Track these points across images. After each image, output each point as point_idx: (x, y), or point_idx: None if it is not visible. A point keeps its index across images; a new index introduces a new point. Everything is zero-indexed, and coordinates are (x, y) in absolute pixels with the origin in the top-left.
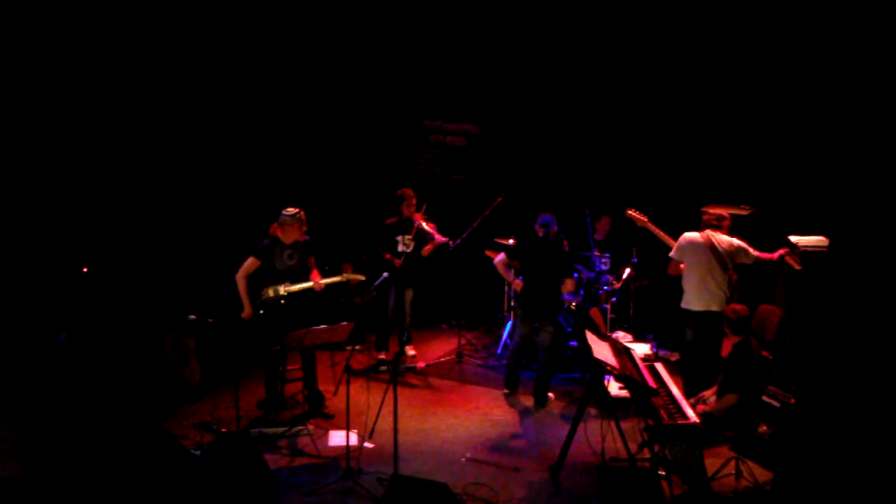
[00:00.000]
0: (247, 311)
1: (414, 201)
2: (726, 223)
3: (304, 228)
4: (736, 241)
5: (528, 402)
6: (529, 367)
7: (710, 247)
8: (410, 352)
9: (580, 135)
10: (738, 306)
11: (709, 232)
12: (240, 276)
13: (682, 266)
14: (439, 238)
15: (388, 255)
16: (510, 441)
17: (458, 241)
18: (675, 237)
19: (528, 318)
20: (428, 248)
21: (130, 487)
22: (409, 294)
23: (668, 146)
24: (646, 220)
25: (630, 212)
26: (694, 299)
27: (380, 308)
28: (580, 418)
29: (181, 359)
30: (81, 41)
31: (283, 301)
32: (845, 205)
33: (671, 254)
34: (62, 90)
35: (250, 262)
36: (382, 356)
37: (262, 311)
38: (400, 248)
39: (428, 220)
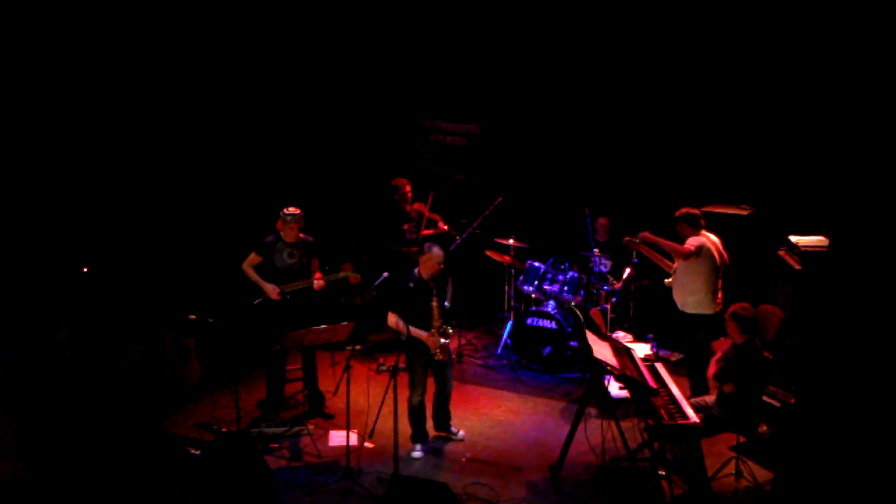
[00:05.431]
0: (269, 289)
1: (408, 188)
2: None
3: (301, 225)
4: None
5: (529, 402)
6: (529, 367)
7: (717, 250)
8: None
9: (580, 135)
10: (746, 305)
11: (706, 233)
12: (245, 267)
13: (674, 266)
14: (442, 225)
15: (403, 249)
16: (510, 441)
17: (459, 241)
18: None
19: (431, 361)
20: (427, 232)
21: (131, 488)
22: None
23: (669, 146)
24: (639, 242)
25: (627, 238)
26: (710, 302)
27: None
28: (580, 418)
29: (181, 359)
30: (82, 41)
31: (287, 296)
32: (845, 205)
33: (692, 251)
34: (62, 89)
35: (252, 257)
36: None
37: (259, 301)
38: (408, 236)
39: (432, 211)
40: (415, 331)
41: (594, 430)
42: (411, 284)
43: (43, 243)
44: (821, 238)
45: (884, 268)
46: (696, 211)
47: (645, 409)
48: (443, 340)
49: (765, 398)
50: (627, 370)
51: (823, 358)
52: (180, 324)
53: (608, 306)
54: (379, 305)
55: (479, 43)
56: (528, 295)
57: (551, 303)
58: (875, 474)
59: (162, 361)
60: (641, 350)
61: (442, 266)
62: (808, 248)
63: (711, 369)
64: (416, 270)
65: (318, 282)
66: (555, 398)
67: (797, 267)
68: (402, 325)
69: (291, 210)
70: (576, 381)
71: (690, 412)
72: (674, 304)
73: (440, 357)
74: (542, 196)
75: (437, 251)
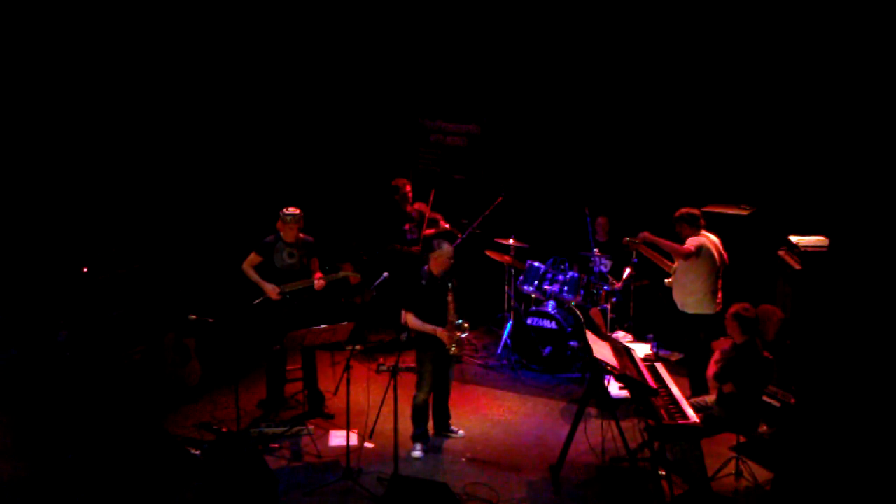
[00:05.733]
0: (269, 289)
1: (408, 188)
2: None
3: (300, 225)
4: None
5: (528, 402)
6: (529, 367)
7: (717, 250)
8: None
9: (580, 134)
10: (746, 305)
11: (706, 233)
12: (245, 267)
13: (674, 266)
14: (444, 224)
15: (405, 248)
16: (510, 441)
17: (459, 241)
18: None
19: (440, 358)
20: (429, 231)
21: (131, 488)
22: None
23: (668, 146)
24: (639, 242)
25: (626, 239)
26: (710, 302)
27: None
28: (580, 418)
29: (181, 359)
30: (82, 41)
31: (287, 296)
32: (845, 205)
33: (692, 251)
34: (62, 90)
35: (252, 257)
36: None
37: (259, 301)
38: (409, 236)
39: (433, 211)
40: (430, 327)
41: (594, 430)
42: (423, 282)
43: (43, 243)
44: (821, 238)
45: (884, 268)
46: (696, 211)
47: (645, 409)
48: (459, 335)
49: (765, 398)
50: (627, 370)
51: (823, 358)
52: (180, 324)
53: (608, 306)
54: (379, 305)
55: (479, 43)
56: (528, 295)
57: (551, 303)
58: (875, 474)
59: (162, 361)
60: (641, 350)
61: (452, 261)
62: (808, 248)
63: (711, 369)
64: (425, 268)
65: (318, 282)
66: (555, 398)
67: (797, 267)
68: (418, 322)
69: (291, 210)
70: (576, 381)
71: (690, 412)
72: (674, 304)
73: (455, 352)
74: (542, 196)
75: (447, 247)
